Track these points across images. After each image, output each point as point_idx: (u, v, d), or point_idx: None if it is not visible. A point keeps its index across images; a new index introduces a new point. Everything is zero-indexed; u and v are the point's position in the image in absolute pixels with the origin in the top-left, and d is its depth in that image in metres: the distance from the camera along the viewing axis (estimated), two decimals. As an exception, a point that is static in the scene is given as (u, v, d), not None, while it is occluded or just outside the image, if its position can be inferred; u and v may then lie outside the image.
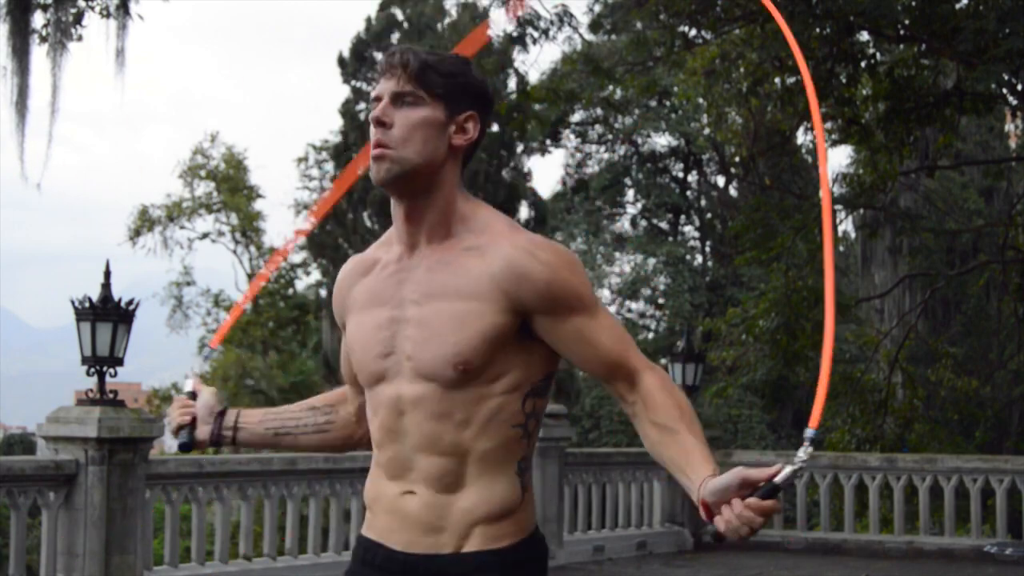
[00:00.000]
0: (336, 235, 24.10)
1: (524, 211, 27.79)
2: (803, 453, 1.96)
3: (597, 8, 20.41)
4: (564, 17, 16.63)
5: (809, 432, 1.97)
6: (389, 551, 2.24)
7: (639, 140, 27.64)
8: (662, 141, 27.86)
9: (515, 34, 21.85)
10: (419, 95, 2.24)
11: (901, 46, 13.46)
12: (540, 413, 2.26)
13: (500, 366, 2.19)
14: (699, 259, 28.18)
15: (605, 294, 28.98)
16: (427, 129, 2.23)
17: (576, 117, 27.04)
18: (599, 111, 26.11)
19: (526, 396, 2.21)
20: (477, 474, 2.18)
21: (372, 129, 2.25)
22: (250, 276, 32.09)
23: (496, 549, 2.18)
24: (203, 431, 2.49)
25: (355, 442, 2.53)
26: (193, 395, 2.53)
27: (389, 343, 2.24)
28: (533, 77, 23.81)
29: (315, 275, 30.06)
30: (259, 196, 32.36)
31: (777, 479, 1.95)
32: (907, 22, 12.42)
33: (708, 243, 28.35)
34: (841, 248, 24.35)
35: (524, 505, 2.23)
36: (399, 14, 27.03)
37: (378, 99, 2.26)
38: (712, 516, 2.00)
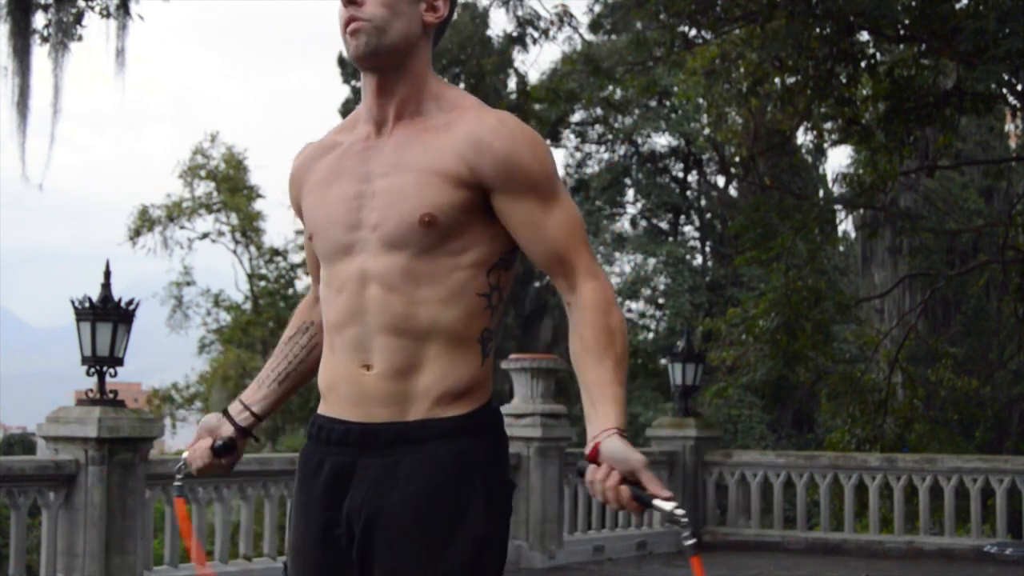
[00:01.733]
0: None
1: (524, 211, 27.81)
2: (680, 512, 1.98)
3: (597, 8, 20.44)
4: (564, 17, 16.64)
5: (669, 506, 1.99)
6: (346, 423, 2.22)
7: (639, 140, 27.64)
8: (662, 141, 27.87)
9: (515, 34, 21.86)
10: None
11: (901, 46, 13.47)
12: (505, 287, 2.26)
13: (466, 239, 2.19)
14: (699, 259, 28.18)
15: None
16: (398, 4, 2.24)
17: (576, 117, 27.03)
18: (599, 111, 26.11)
19: (491, 268, 2.22)
20: (439, 353, 2.18)
21: (342, 9, 2.25)
22: (250, 276, 32.10)
23: (454, 416, 2.18)
24: (226, 430, 2.46)
25: None
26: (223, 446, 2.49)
27: (355, 215, 2.23)
28: (533, 77, 23.84)
29: (315, 275, 30.04)
30: (259, 196, 32.37)
31: (657, 501, 1.99)
32: (907, 22, 12.42)
33: (708, 243, 28.34)
34: (841, 248, 24.34)
35: (484, 375, 2.24)
36: (399, 14, 27.05)
37: None
38: (593, 459, 2.03)
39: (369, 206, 2.22)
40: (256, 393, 2.48)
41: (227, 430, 2.46)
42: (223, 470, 2.47)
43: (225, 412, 2.49)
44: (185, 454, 2.51)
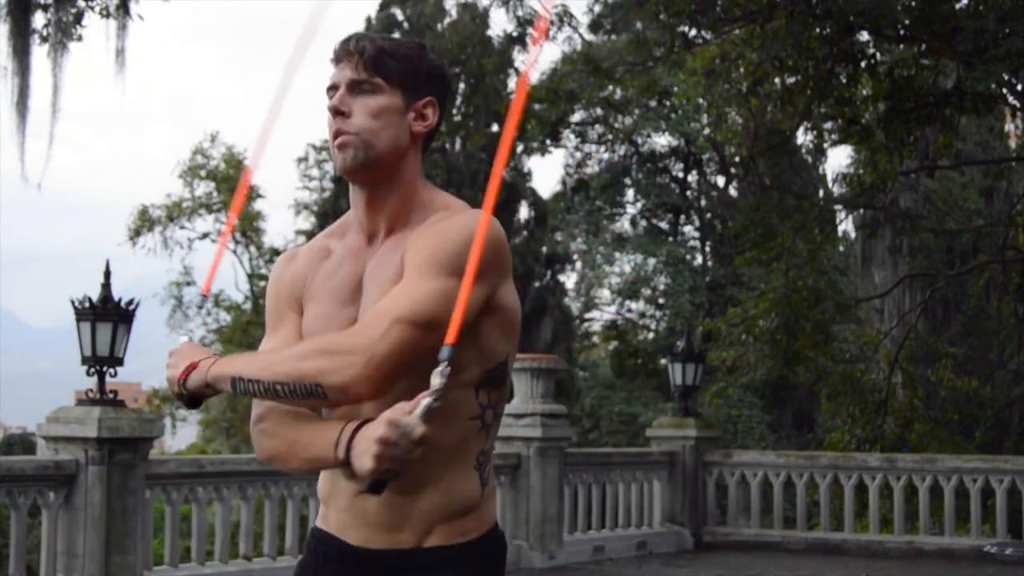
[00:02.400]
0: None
1: (524, 211, 27.81)
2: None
3: (597, 8, 20.44)
4: (564, 17, 16.64)
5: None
6: (344, 544, 2.20)
7: (639, 140, 27.63)
8: (662, 141, 27.87)
9: (515, 34, 21.86)
10: (376, 83, 2.21)
11: (901, 46, 13.47)
12: (497, 404, 2.21)
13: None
14: (699, 259, 28.17)
15: (605, 294, 28.99)
16: (387, 116, 2.20)
17: (576, 117, 27.02)
18: (599, 111, 26.10)
19: (478, 387, 2.16)
20: (436, 474, 2.14)
21: (330, 119, 2.22)
22: (250, 276, 32.11)
23: (458, 544, 2.16)
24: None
25: None
26: None
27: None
28: (533, 77, 23.79)
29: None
30: (259, 196, 32.36)
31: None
32: (907, 22, 12.42)
33: (708, 243, 28.34)
34: (841, 248, 24.34)
35: (485, 500, 2.20)
36: (399, 14, 27.04)
37: (335, 87, 2.23)
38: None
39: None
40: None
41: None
42: None
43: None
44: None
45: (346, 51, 2.23)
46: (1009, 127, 22.25)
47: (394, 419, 1.94)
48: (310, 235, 27.78)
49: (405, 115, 2.23)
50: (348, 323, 2.17)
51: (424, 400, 1.93)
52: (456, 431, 2.15)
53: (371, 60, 2.20)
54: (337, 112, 2.21)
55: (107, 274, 8.23)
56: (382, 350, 2.01)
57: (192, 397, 2.20)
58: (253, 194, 32.25)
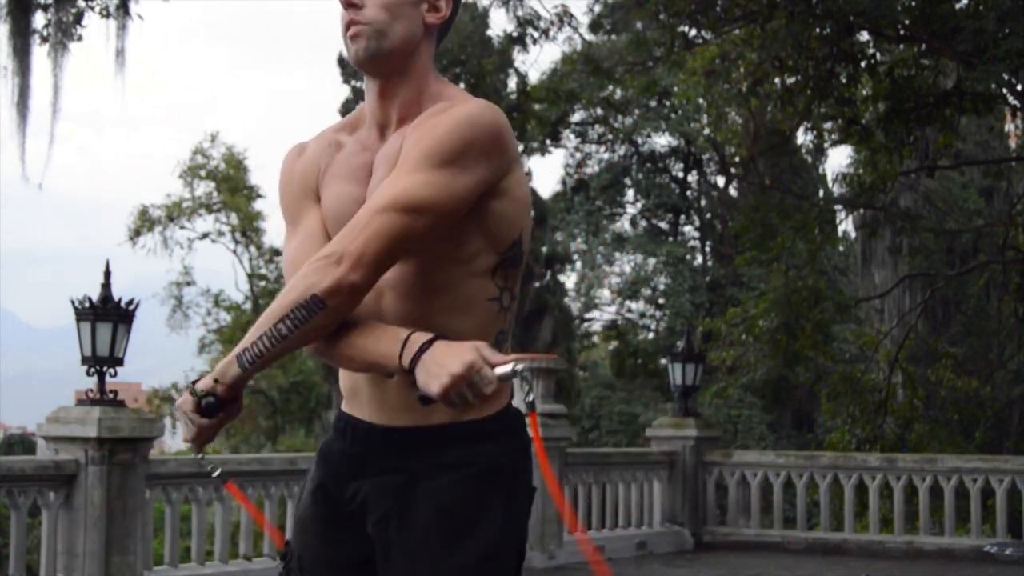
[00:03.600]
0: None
1: (524, 211, 27.80)
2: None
3: (597, 8, 20.44)
4: (564, 17, 16.64)
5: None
6: (370, 425, 2.23)
7: (639, 140, 27.64)
8: (662, 141, 27.89)
9: (515, 34, 21.86)
10: None
11: (901, 46, 13.46)
12: (514, 285, 2.24)
13: (467, 241, 2.16)
14: (699, 259, 28.18)
15: (605, 294, 28.99)
16: (399, 7, 2.21)
17: (576, 117, 27.04)
18: (599, 111, 26.12)
19: (496, 269, 2.19)
20: None
21: (343, 12, 2.22)
22: (250, 276, 32.12)
23: (474, 420, 2.19)
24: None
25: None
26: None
27: None
28: (533, 77, 23.83)
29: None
30: (259, 196, 32.37)
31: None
32: (907, 22, 12.42)
33: (708, 243, 28.34)
34: (841, 248, 24.35)
35: None
36: (399, 14, 27.03)
37: None
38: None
39: None
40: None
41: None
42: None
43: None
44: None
45: None
46: (1009, 127, 22.25)
47: (476, 364, 1.97)
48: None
49: (418, 6, 2.24)
50: (361, 205, 2.20)
51: (510, 366, 1.97)
52: (475, 317, 2.19)
53: None
54: (349, 4, 2.21)
55: (107, 274, 8.23)
56: (361, 241, 2.05)
57: (207, 402, 2.16)
58: (253, 194, 32.27)
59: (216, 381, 2.17)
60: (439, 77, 2.28)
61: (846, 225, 23.30)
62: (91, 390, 8.05)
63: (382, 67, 2.21)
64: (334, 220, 2.24)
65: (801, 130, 16.80)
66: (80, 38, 12.92)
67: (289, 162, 2.37)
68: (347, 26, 2.21)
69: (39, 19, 12.81)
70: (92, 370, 8.07)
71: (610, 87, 20.11)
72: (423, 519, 2.15)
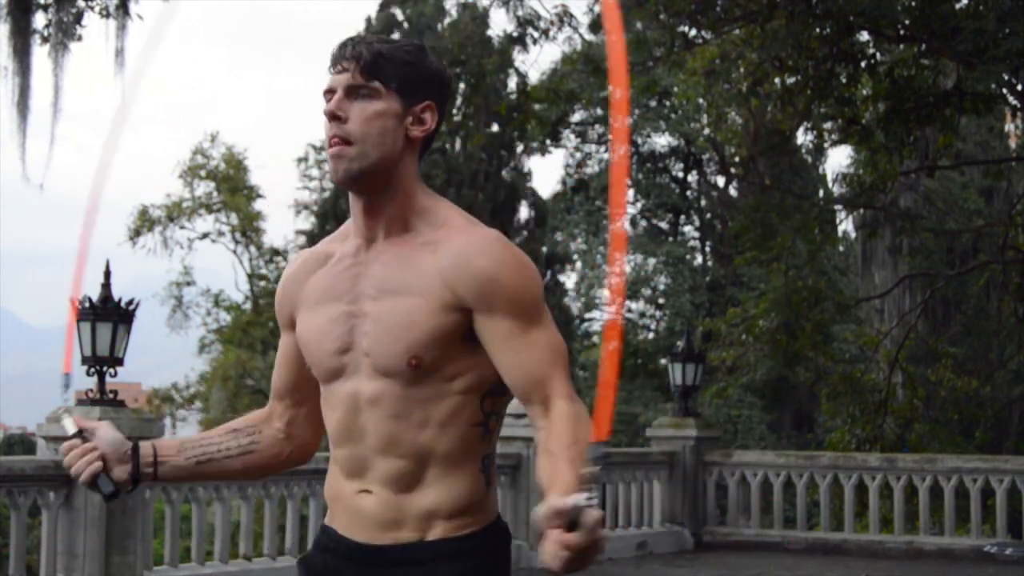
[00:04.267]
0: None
1: (524, 211, 27.81)
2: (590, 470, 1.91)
3: (597, 8, 20.41)
4: (564, 17, 16.63)
5: (594, 451, 1.91)
6: (350, 540, 2.21)
7: (639, 140, 27.64)
8: (662, 141, 27.88)
9: (515, 34, 21.83)
10: (374, 87, 2.17)
11: (901, 46, 13.47)
12: (501, 411, 2.22)
13: (456, 365, 2.15)
14: (699, 259, 28.19)
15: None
16: (384, 122, 2.18)
17: (576, 117, 27.03)
18: (599, 111, 26.10)
19: (484, 395, 2.18)
20: (437, 475, 2.15)
21: (326, 124, 2.19)
22: (250, 276, 32.12)
23: (459, 536, 2.16)
24: (120, 471, 2.27)
25: (284, 461, 2.41)
26: (81, 434, 2.25)
27: (347, 338, 2.19)
28: (533, 77, 23.82)
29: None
30: (259, 196, 32.36)
31: (568, 503, 1.91)
32: (907, 22, 12.42)
33: (708, 243, 28.35)
34: (841, 248, 24.35)
35: (487, 497, 2.21)
36: (399, 14, 27.04)
37: (331, 92, 2.20)
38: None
39: (361, 330, 2.18)
40: (174, 455, 2.35)
41: (120, 471, 2.27)
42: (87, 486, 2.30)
43: (135, 449, 2.30)
44: (73, 438, 2.26)
45: (343, 55, 2.20)
46: (1009, 127, 22.24)
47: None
48: (310, 235, 27.80)
49: (403, 120, 2.20)
50: (344, 319, 2.20)
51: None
52: (458, 437, 2.16)
53: (368, 64, 2.18)
54: (333, 117, 2.18)
55: (107, 274, 8.23)
56: (580, 402, 2.17)
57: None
58: (253, 194, 32.26)
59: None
60: (426, 189, 2.25)
61: (846, 225, 23.32)
62: (91, 390, 8.05)
63: (364, 186, 2.19)
64: (318, 343, 2.23)
65: (801, 130, 16.80)
66: (80, 38, 12.92)
67: (285, 274, 2.38)
68: (331, 142, 2.19)
69: (39, 19, 12.82)
70: (92, 370, 8.08)
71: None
72: None
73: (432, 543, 2.15)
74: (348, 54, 2.20)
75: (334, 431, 2.23)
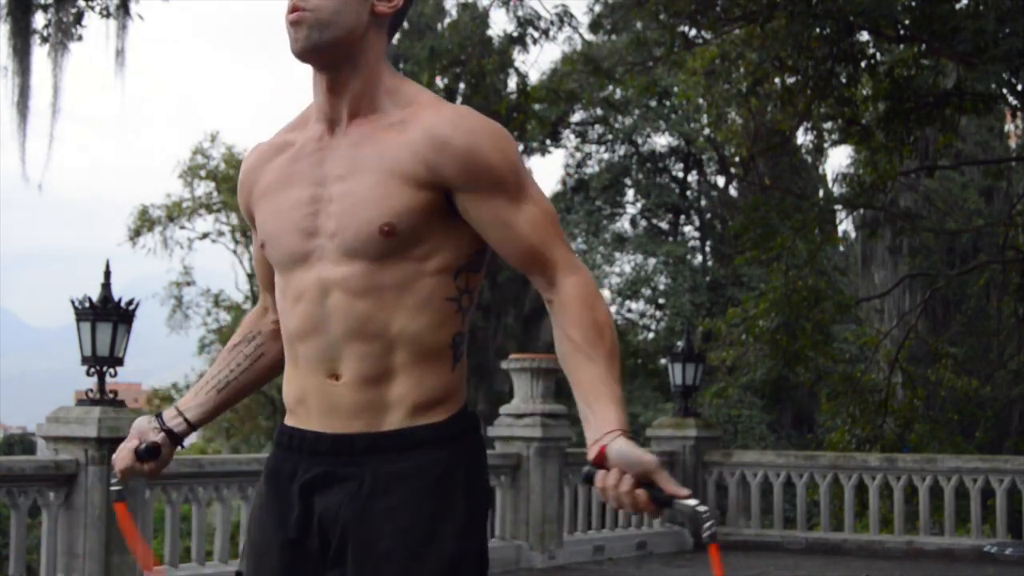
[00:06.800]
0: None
1: (524, 211, 27.80)
2: (703, 509, 1.92)
3: (597, 8, 20.43)
4: (564, 17, 16.64)
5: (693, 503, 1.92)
6: (317, 433, 2.15)
7: (639, 140, 27.64)
8: (662, 141, 27.89)
9: (515, 34, 21.84)
10: None
11: (901, 46, 13.47)
12: (474, 289, 2.16)
13: (429, 244, 2.09)
14: (699, 259, 28.19)
15: (605, 294, 28.97)
16: None
17: (576, 117, 27.04)
18: (599, 111, 26.11)
19: (459, 271, 2.12)
20: (409, 360, 2.10)
21: None
22: (250, 276, 32.11)
23: (430, 424, 2.11)
24: (155, 437, 2.38)
25: None
26: (126, 485, 2.53)
27: (311, 222, 2.11)
28: (533, 77, 23.82)
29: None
30: (259, 196, 32.33)
31: (677, 502, 1.90)
32: (907, 22, 12.43)
33: (708, 243, 28.35)
34: (841, 248, 24.36)
35: (457, 380, 2.16)
36: (399, 14, 27.03)
37: None
38: (599, 464, 1.95)
39: (326, 212, 2.10)
40: (192, 399, 2.38)
41: (154, 435, 2.37)
42: (146, 475, 2.43)
43: (158, 416, 2.38)
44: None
45: None
46: (1009, 127, 22.25)
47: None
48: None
49: None
50: (308, 202, 2.13)
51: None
52: (432, 315, 2.11)
53: None
54: None
55: (107, 274, 8.23)
56: (584, 271, 2.13)
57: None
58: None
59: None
60: (392, 70, 2.17)
61: (846, 225, 23.34)
62: (91, 390, 8.05)
63: (325, 59, 2.10)
64: (280, 228, 2.16)
65: (801, 130, 16.80)
66: (80, 38, 12.93)
67: (242, 168, 2.30)
68: (290, 10, 2.09)
69: (39, 19, 12.82)
70: (92, 370, 8.07)
71: (610, 87, 20.10)
72: (384, 546, 2.07)
73: (405, 430, 2.10)
74: None
75: (297, 325, 2.14)
